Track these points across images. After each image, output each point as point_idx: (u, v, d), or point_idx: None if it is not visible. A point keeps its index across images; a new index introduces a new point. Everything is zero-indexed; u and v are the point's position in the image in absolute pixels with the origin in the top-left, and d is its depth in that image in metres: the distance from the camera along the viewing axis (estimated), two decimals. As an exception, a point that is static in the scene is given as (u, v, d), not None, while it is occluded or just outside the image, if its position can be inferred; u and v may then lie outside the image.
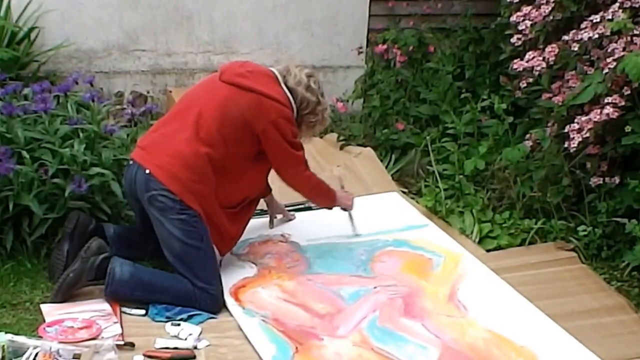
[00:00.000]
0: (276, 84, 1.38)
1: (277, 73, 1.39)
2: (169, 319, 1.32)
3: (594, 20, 1.56)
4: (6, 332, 1.20)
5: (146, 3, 2.14)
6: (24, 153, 1.47)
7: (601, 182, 1.57)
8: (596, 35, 1.54)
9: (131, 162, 1.39)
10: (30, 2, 2.03)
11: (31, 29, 2.05)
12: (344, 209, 1.55)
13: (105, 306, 1.31)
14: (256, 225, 1.60)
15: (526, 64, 1.64)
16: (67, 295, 1.33)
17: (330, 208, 1.52)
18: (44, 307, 1.32)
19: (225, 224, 1.38)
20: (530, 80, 1.71)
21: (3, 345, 1.16)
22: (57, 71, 2.07)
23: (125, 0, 2.12)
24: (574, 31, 1.61)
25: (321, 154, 1.94)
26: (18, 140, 1.49)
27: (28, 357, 1.16)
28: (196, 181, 1.32)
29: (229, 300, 1.36)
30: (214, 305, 1.34)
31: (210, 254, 1.35)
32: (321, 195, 1.49)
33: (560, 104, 1.62)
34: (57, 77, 2.03)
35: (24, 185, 1.45)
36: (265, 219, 1.62)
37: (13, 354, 1.17)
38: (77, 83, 1.72)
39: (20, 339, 1.20)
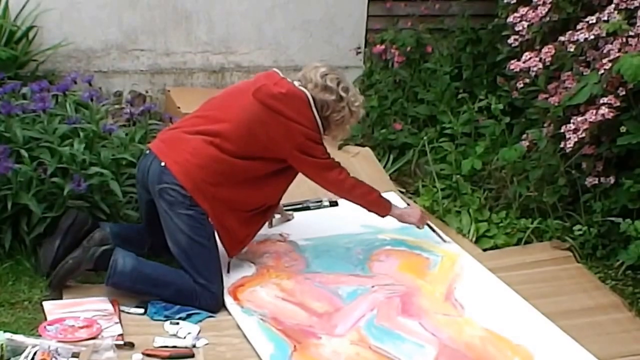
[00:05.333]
0: (308, 108, 1.38)
1: (309, 96, 1.39)
2: (167, 317, 1.32)
3: (590, 22, 1.58)
4: (5, 331, 1.20)
5: (145, 3, 2.14)
6: (23, 152, 1.47)
7: (596, 182, 1.58)
8: (592, 37, 1.55)
9: (147, 152, 1.39)
10: (28, 1, 2.03)
11: (29, 28, 2.04)
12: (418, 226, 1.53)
13: (108, 306, 1.31)
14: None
15: (523, 65, 1.66)
16: (63, 281, 1.32)
17: (384, 216, 1.50)
18: (46, 305, 1.32)
19: (235, 226, 1.37)
20: (527, 80, 1.72)
21: (2, 344, 1.16)
22: (56, 70, 2.07)
23: (124, 0, 2.12)
24: (570, 32, 1.62)
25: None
26: (17, 140, 1.49)
27: (27, 356, 1.16)
28: (210, 183, 1.32)
29: (228, 299, 1.37)
30: (214, 303, 1.35)
31: (214, 253, 1.35)
32: (367, 199, 1.47)
33: (556, 104, 1.63)
34: (55, 76, 2.02)
35: (23, 185, 1.45)
36: (264, 219, 1.64)
37: (12, 352, 1.17)
38: (75, 82, 1.71)
39: (19, 337, 1.20)
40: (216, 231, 1.36)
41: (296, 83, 1.40)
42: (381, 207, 1.49)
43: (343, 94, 1.41)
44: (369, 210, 1.50)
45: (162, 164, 1.33)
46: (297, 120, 1.36)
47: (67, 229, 1.37)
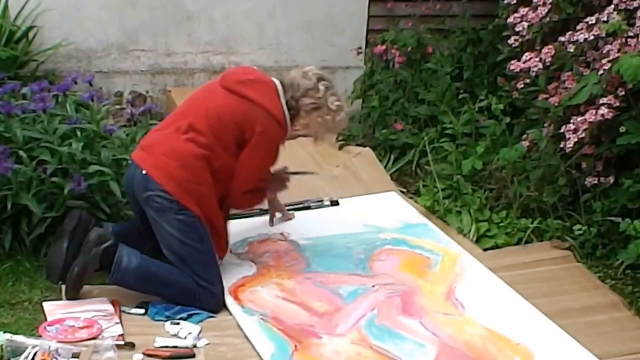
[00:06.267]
0: (275, 96, 1.35)
1: (278, 85, 1.36)
2: (168, 318, 1.32)
3: (590, 22, 1.58)
4: (5, 332, 1.20)
5: (146, 3, 2.13)
6: (23, 152, 1.47)
7: (596, 181, 1.59)
8: (592, 37, 1.56)
9: (130, 162, 1.39)
10: (28, 1, 2.03)
11: (29, 28, 2.04)
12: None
13: (108, 306, 1.31)
14: (255, 223, 1.61)
15: (523, 65, 1.66)
16: (78, 289, 1.32)
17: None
18: (46, 306, 1.32)
19: (223, 226, 1.38)
20: (527, 81, 1.72)
21: (2, 345, 1.16)
22: (56, 70, 2.07)
23: (125, 0, 2.12)
24: (570, 32, 1.63)
25: (320, 154, 1.94)
26: (17, 140, 1.49)
27: (27, 357, 1.16)
28: (194, 182, 1.32)
29: (228, 299, 1.37)
30: (216, 304, 1.35)
31: (211, 254, 1.35)
32: (247, 206, 1.46)
33: (556, 104, 1.63)
34: (56, 76, 2.02)
35: (23, 185, 1.45)
36: (264, 218, 1.63)
37: (11, 353, 1.17)
38: (76, 83, 1.71)
39: (19, 338, 1.20)
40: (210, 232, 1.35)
41: (276, 80, 1.37)
42: (255, 202, 1.45)
43: (321, 87, 1.38)
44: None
45: (144, 172, 1.32)
46: (263, 106, 1.32)
47: (72, 231, 1.37)
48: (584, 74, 1.59)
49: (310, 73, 1.38)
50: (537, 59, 1.64)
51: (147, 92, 2.19)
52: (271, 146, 1.35)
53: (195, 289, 1.33)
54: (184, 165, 1.32)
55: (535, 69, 1.65)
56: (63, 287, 1.35)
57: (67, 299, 1.32)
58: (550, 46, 1.65)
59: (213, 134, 1.32)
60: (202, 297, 1.33)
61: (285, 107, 1.35)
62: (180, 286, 1.33)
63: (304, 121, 1.38)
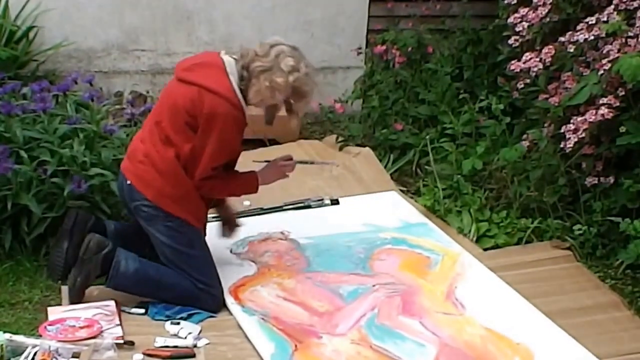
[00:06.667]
0: (224, 74, 1.24)
1: (227, 62, 1.25)
2: (168, 317, 1.32)
3: (590, 22, 1.58)
4: (5, 332, 1.20)
5: (146, 3, 2.14)
6: (23, 152, 1.47)
7: (596, 181, 1.59)
8: (592, 37, 1.56)
9: (120, 171, 1.38)
10: (28, 1, 2.03)
11: (30, 28, 2.04)
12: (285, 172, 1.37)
13: (110, 308, 1.31)
14: (255, 223, 1.61)
15: (523, 65, 1.66)
16: (81, 297, 1.32)
17: (257, 190, 1.34)
18: (50, 310, 1.31)
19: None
20: (528, 81, 1.72)
21: (2, 345, 1.16)
22: (56, 70, 2.07)
23: (125, 0, 2.12)
24: (570, 33, 1.63)
25: (321, 155, 1.95)
26: (17, 140, 1.50)
27: (27, 356, 1.16)
28: (173, 185, 1.28)
29: (229, 298, 1.37)
30: (216, 305, 1.35)
31: (204, 257, 1.34)
32: (229, 192, 1.34)
33: (556, 104, 1.63)
34: (56, 76, 2.02)
35: (23, 185, 1.45)
36: (264, 217, 1.63)
37: (12, 353, 1.17)
38: (76, 82, 1.72)
39: (19, 338, 1.20)
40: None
41: (225, 57, 1.27)
42: (248, 189, 1.35)
43: (273, 51, 1.25)
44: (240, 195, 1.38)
45: (128, 182, 1.32)
46: (208, 88, 1.23)
47: (70, 230, 1.37)
48: (584, 74, 1.59)
49: (268, 40, 1.29)
50: (537, 59, 1.64)
51: (147, 92, 2.18)
52: (224, 128, 1.24)
53: (194, 291, 1.33)
54: (160, 172, 1.29)
55: (536, 69, 1.65)
56: (63, 288, 1.35)
57: (70, 304, 1.32)
58: (550, 46, 1.65)
59: (174, 128, 1.27)
60: (202, 299, 1.33)
61: (235, 84, 1.25)
62: (179, 289, 1.33)
63: (255, 88, 1.25)
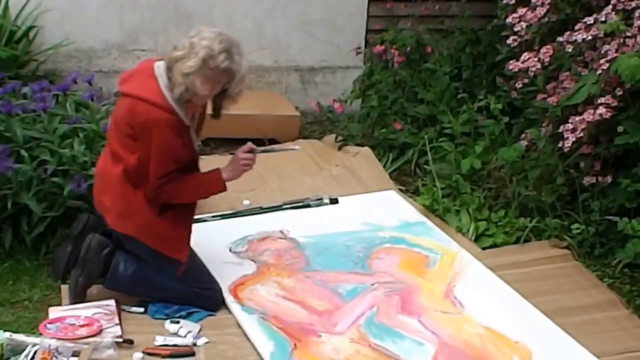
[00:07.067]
0: (152, 79, 1.20)
1: (157, 66, 1.21)
2: (167, 316, 1.33)
3: (588, 22, 1.59)
4: (5, 330, 1.20)
5: (146, 3, 2.14)
6: (23, 152, 1.48)
7: (594, 181, 1.59)
8: (590, 37, 1.56)
9: None
10: (28, 1, 2.03)
11: (30, 28, 2.05)
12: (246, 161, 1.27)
13: (110, 307, 1.32)
14: (255, 222, 1.61)
15: (522, 65, 1.66)
16: (84, 297, 1.32)
17: (225, 187, 1.27)
18: (51, 310, 1.31)
19: (170, 229, 1.28)
20: (526, 80, 1.72)
21: (2, 343, 1.16)
22: (57, 70, 2.07)
23: (125, 0, 2.12)
24: (568, 33, 1.63)
25: (320, 155, 1.95)
26: (17, 139, 1.50)
27: (27, 355, 1.16)
28: (121, 202, 1.26)
29: (228, 297, 1.37)
30: (214, 304, 1.35)
31: (191, 266, 1.32)
32: (195, 195, 1.28)
33: (554, 104, 1.64)
34: (56, 76, 2.02)
35: (23, 184, 1.45)
36: (264, 215, 1.62)
37: (12, 351, 1.17)
38: (76, 82, 1.72)
39: (19, 336, 1.20)
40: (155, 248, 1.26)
41: (156, 64, 1.22)
42: (214, 188, 1.27)
43: (193, 39, 1.16)
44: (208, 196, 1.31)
45: (95, 205, 1.32)
46: (137, 95, 1.20)
47: (79, 235, 1.36)
48: (582, 74, 1.59)
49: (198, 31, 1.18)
50: (536, 59, 1.65)
51: (147, 91, 2.21)
52: (159, 134, 1.19)
53: (191, 294, 1.33)
54: (113, 195, 1.27)
55: (534, 69, 1.65)
56: (63, 288, 1.35)
57: (72, 303, 1.32)
58: (549, 46, 1.66)
59: (119, 143, 1.25)
60: (200, 300, 1.34)
61: (163, 87, 1.19)
62: (177, 292, 1.33)
63: (172, 81, 1.18)
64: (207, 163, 1.84)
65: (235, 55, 1.21)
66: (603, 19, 1.55)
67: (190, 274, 1.32)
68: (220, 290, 1.36)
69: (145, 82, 1.23)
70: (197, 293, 1.33)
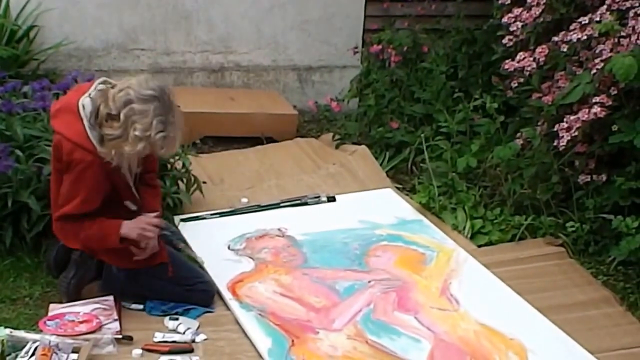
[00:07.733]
0: (77, 118, 1.21)
1: (82, 106, 1.21)
2: (164, 312, 1.34)
3: (583, 22, 1.60)
4: (5, 327, 1.21)
5: (145, 2, 2.15)
6: (23, 150, 1.49)
7: (589, 179, 1.60)
8: (585, 37, 1.57)
9: None
10: (28, 0, 2.04)
11: (30, 28, 2.05)
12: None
13: (109, 303, 1.33)
14: (253, 219, 1.63)
15: (517, 65, 1.68)
16: (78, 296, 1.33)
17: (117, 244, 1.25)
18: (52, 306, 1.32)
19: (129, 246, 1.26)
20: (521, 80, 1.74)
21: (2, 340, 1.17)
22: (57, 69, 2.08)
23: (125, 0, 2.13)
24: (563, 33, 1.64)
25: (317, 153, 1.96)
26: (17, 138, 1.50)
27: (27, 351, 1.17)
28: (77, 239, 1.25)
29: (227, 294, 1.38)
30: (209, 299, 1.36)
31: (179, 264, 1.33)
32: (93, 241, 1.26)
33: (550, 103, 1.65)
34: (56, 75, 2.03)
35: (23, 183, 1.46)
36: (263, 214, 1.64)
37: (12, 348, 1.18)
38: (76, 81, 1.72)
39: (20, 333, 1.21)
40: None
41: (81, 102, 1.20)
42: (105, 239, 1.25)
43: (122, 112, 1.17)
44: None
45: None
46: (63, 135, 1.22)
47: (79, 261, 1.35)
48: (577, 73, 1.60)
49: (120, 84, 1.19)
50: (531, 59, 1.66)
51: (146, 91, 2.22)
52: (78, 172, 1.21)
53: (183, 293, 1.34)
54: (63, 234, 1.27)
55: (529, 68, 1.66)
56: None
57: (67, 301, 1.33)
58: (544, 46, 1.67)
59: (54, 177, 1.27)
60: (193, 297, 1.35)
61: (87, 127, 1.20)
62: (170, 291, 1.34)
63: (105, 150, 1.20)
64: (206, 161, 1.87)
65: (170, 125, 1.20)
66: (598, 18, 1.56)
67: (180, 274, 1.34)
68: (212, 282, 1.37)
69: (70, 122, 1.22)
70: (190, 290, 1.35)
